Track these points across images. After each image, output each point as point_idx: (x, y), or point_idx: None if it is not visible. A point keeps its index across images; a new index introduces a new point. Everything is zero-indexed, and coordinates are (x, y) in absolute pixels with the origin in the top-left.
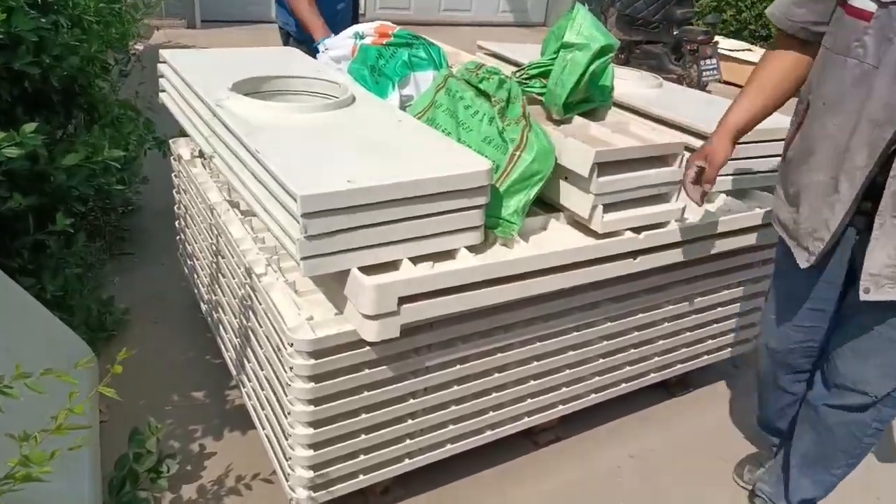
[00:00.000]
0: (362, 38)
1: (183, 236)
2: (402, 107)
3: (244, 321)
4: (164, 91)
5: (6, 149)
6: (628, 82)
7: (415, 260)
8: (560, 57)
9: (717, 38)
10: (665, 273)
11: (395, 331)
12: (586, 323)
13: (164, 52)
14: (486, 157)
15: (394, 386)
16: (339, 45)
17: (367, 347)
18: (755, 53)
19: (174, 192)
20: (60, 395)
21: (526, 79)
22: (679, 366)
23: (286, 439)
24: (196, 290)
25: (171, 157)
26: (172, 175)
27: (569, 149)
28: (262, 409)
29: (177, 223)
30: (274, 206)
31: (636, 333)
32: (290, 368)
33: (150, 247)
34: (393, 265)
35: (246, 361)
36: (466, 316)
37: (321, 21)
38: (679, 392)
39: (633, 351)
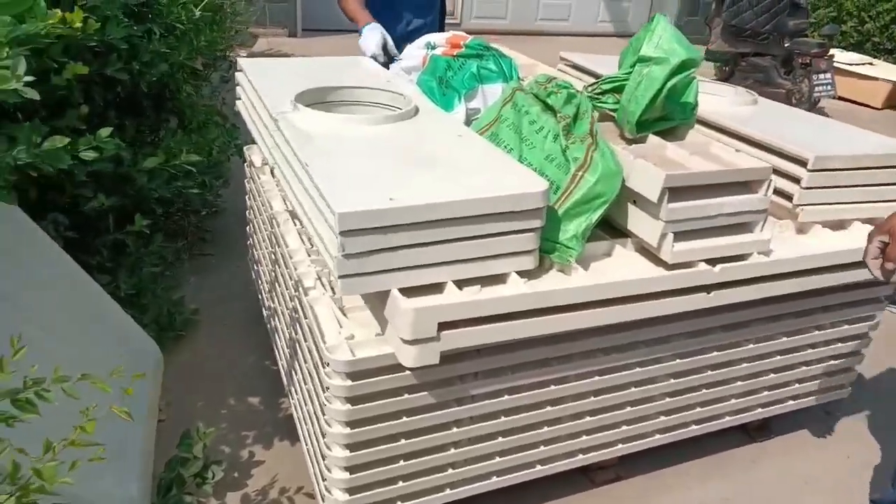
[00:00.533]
0: (434, 48)
1: (251, 241)
2: (469, 120)
3: (293, 333)
4: (239, 99)
5: (84, 152)
6: (719, 98)
7: (461, 283)
8: (636, 71)
9: (833, 51)
10: (746, 309)
11: (435, 357)
12: (653, 359)
13: (241, 61)
14: (546, 176)
15: (435, 413)
16: (411, 55)
17: (408, 371)
18: (878, 68)
19: (246, 196)
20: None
21: (598, 94)
22: (759, 410)
23: (323, 460)
24: (259, 296)
25: (245, 163)
26: (245, 180)
27: (637, 170)
28: (304, 424)
29: (247, 228)
30: (318, 221)
31: (710, 372)
32: (327, 388)
33: (229, 249)
34: (438, 288)
35: (294, 373)
36: (518, 344)
37: (366, 12)
38: (760, 437)
39: (705, 391)
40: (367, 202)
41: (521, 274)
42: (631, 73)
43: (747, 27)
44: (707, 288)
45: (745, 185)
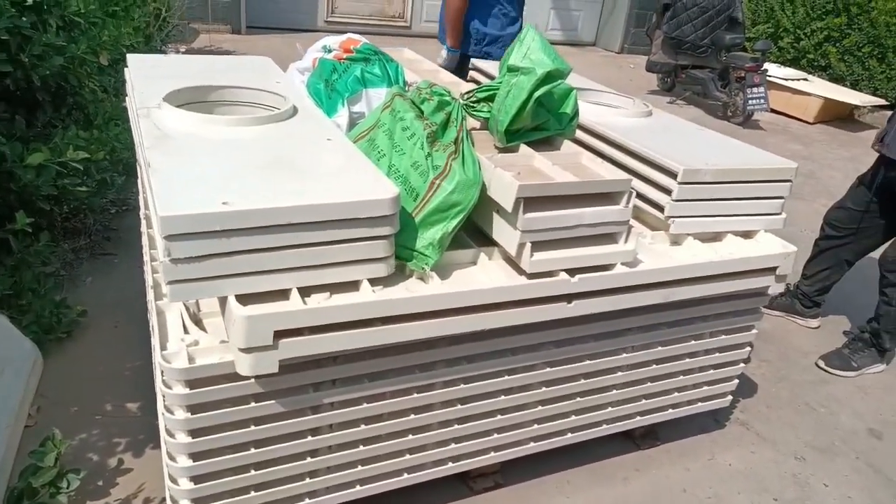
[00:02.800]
0: (330, 51)
1: (143, 241)
2: (353, 124)
3: (152, 338)
4: (127, 96)
5: None
6: (614, 109)
7: (312, 290)
8: (505, 81)
9: (769, 66)
10: (617, 319)
11: (273, 366)
12: (522, 367)
13: (129, 57)
14: (410, 183)
15: (287, 422)
16: (307, 56)
17: (252, 380)
18: (811, 84)
19: (139, 198)
20: None
21: (474, 102)
22: (638, 418)
23: (167, 469)
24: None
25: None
26: (137, 181)
27: (496, 180)
28: (160, 433)
29: (140, 228)
30: (154, 224)
31: (583, 381)
32: (164, 397)
33: (134, 249)
34: (284, 294)
35: (154, 381)
36: (377, 351)
37: (460, 34)
38: (645, 444)
39: (580, 399)
40: (197, 205)
41: (376, 281)
42: (502, 82)
43: (686, 40)
44: (567, 297)
45: (606, 196)
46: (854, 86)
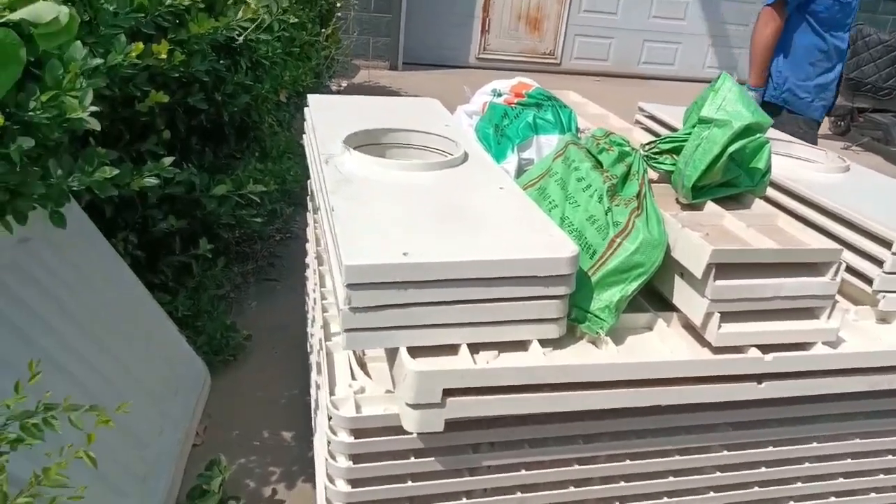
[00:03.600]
0: (500, 95)
1: (307, 272)
2: (521, 171)
3: (317, 376)
4: (305, 134)
5: (147, 178)
6: (805, 163)
7: (479, 346)
8: (695, 133)
9: None
10: (813, 404)
11: (439, 424)
12: (696, 447)
13: (310, 97)
14: (586, 238)
15: (444, 481)
16: (476, 99)
17: (414, 435)
18: None
19: (307, 230)
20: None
21: (656, 153)
22: None
23: None
24: (306, 328)
25: (308, 196)
26: (307, 213)
27: (683, 241)
28: (317, 473)
29: (306, 259)
30: (335, 269)
31: (764, 469)
32: (329, 443)
33: (295, 276)
34: (453, 350)
35: (314, 416)
36: (539, 417)
37: (764, 72)
38: None
39: (758, 489)
40: (379, 255)
41: (545, 343)
42: (691, 133)
43: (867, 81)
44: (758, 377)
45: (810, 266)
46: None
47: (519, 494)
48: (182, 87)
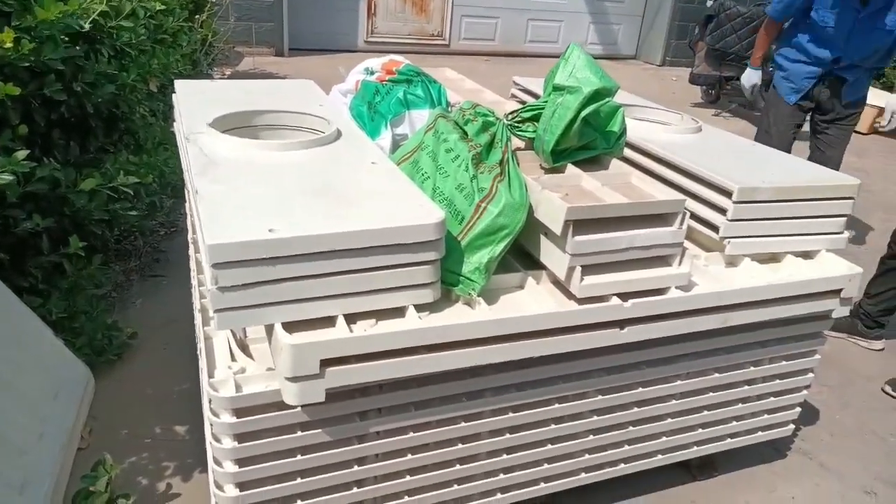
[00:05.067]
0: (372, 73)
1: (191, 264)
2: (396, 146)
3: (199, 364)
4: (174, 121)
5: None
6: (661, 126)
7: (357, 317)
8: (550, 100)
9: None
10: (673, 344)
11: (319, 395)
12: (573, 394)
13: (177, 83)
14: (455, 206)
15: (333, 451)
16: (350, 78)
17: (299, 408)
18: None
19: (187, 220)
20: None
21: (518, 122)
22: (694, 448)
23: (214, 499)
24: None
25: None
26: (185, 204)
27: (543, 202)
28: (208, 459)
29: (189, 252)
30: (202, 251)
31: (636, 409)
32: (212, 425)
33: (181, 270)
34: (331, 321)
35: (201, 405)
36: (424, 379)
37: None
38: (701, 475)
39: (632, 428)
40: (244, 233)
41: (422, 307)
42: (548, 101)
43: (731, 51)
44: (620, 323)
45: (659, 218)
46: None
47: (410, 456)
48: (35, 78)
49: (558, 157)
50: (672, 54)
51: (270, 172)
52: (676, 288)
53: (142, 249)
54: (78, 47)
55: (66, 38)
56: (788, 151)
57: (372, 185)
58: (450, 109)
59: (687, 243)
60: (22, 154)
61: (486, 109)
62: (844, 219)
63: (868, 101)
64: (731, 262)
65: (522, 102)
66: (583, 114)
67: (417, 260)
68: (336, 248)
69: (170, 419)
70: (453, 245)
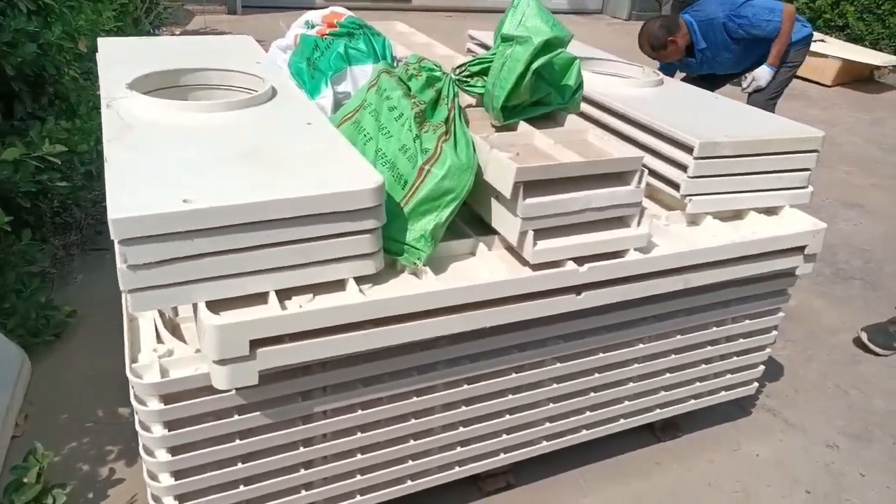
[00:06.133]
0: (312, 26)
1: None
2: (338, 105)
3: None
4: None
5: None
6: (621, 80)
7: (292, 292)
8: (499, 52)
9: None
10: (632, 308)
11: (252, 378)
12: (530, 363)
13: (100, 41)
14: (398, 169)
15: (275, 433)
16: (290, 33)
17: (233, 391)
18: (829, 45)
19: None
20: None
21: (467, 76)
22: (658, 411)
23: (150, 489)
24: None
25: None
26: None
27: (492, 163)
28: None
29: None
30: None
31: (597, 375)
32: (137, 413)
33: None
34: (263, 298)
35: None
36: (371, 354)
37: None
38: (666, 437)
39: (593, 394)
40: (154, 205)
41: (364, 279)
42: (496, 53)
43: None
44: (576, 289)
45: (616, 176)
46: (874, 45)
47: (360, 434)
48: None
49: (509, 114)
50: (639, 9)
51: (193, 136)
52: (635, 250)
53: (82, 222)
54: None
55: None
56: None
57: (306, 149)
58: (396, 65)
59: (647, 202)
60: None
61: (432, 63)
62: (808, 173)
63: (833, 53)
64: (693, 220)
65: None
66: (534, 66)
67: (356, 229)
68: (262, 219)
69: (113, 401)
70: (396, 211)
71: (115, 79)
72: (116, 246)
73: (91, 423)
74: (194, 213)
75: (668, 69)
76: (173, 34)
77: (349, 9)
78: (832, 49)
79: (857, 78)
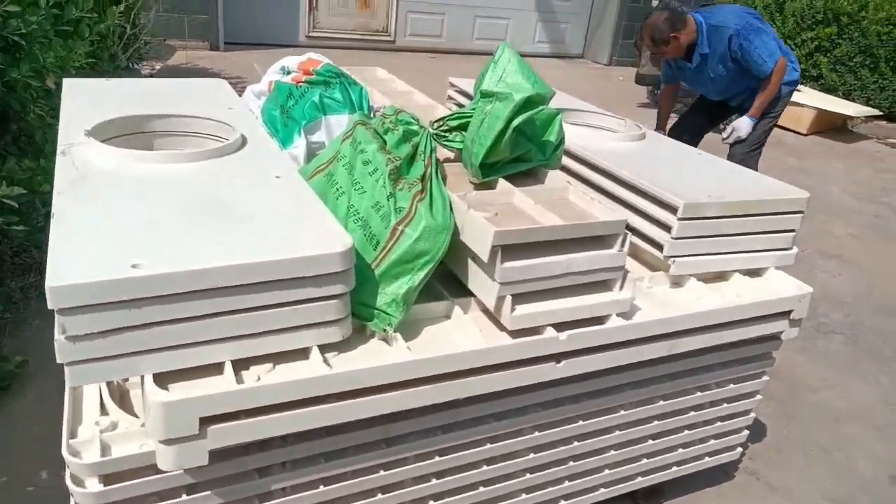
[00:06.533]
0: (288, 72)
1: None
2: (313, 155)
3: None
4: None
5: None
6: (602, 133)
7: (248, 361)
8: (478, 108)
9: None
10: (613, 374)
11: (201, 458)
12: (506, 433)
13: (65, 82)
14: (370, 228)
15: None
16: (265, 78)
17: (181, 471)
18: (804, 94)
19: None
20: None
21: (445, 131)
22: (640, 479)
23: None
24: None
25: None
26: None
27: (469, 224)
28: None
29: None
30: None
31: (576, 444)
32: (72, 495)
33: None
34: (218, 368)
35: None
36: (336, 427)
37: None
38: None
39: (573, 463)
40: (98, 271)
41: (329, 347)
42: (476, 108)
43: None
44: (556, 357)
45: (599, 239)
46: (847, 96)
47: None
48: None
49: (488, 172)
50: (619, 54)
51: (151, 189)
52: (617, 315)
53: (42, 264)
54: None
55: None
56: None
57: (271, 204)
58: (373, 115)
59: (629, 261)
60: None
61: (409, 116)
62: (793, 234)
63: (809, 103)
64: (676, 282)
65: (460, 105)
66: (514, 123)
67: (322, 294)
68: (218, 286)
69: (59, 463)
70: (367, 274)
71: (76, 123)
72: (56, 315)
73: (31, 488)
74: (143, 279)
75: (667, 71)
76: (153, 69)
77: (332, 47)
78: (808, 98)
79: (832, 127)
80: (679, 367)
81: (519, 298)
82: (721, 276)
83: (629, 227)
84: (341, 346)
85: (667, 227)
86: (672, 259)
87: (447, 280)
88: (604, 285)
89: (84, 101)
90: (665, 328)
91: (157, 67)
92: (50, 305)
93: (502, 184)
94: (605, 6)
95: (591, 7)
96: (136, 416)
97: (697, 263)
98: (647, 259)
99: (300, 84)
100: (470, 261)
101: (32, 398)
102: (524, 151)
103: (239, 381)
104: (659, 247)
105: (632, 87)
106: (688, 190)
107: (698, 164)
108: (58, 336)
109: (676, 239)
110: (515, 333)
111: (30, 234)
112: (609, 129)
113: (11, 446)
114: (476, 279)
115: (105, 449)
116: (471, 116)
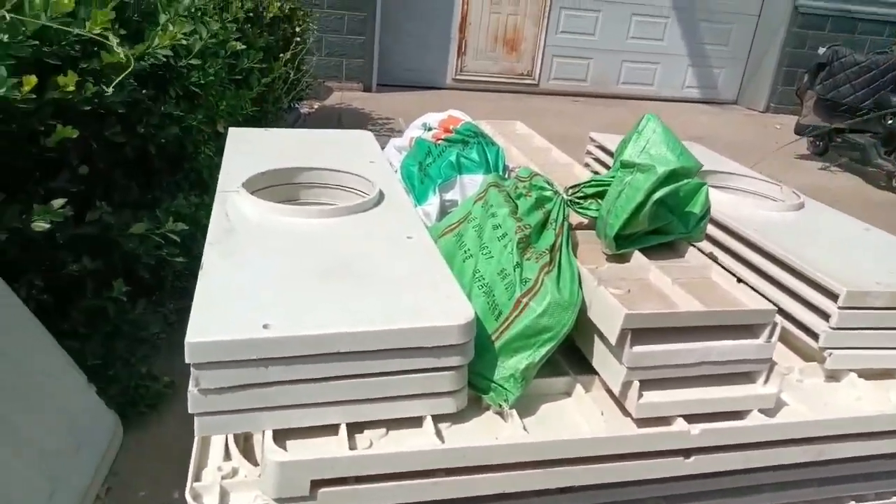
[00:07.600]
0: (429, 129)
1: None
2: (445, 213)
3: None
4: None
5: (36, 222)
6: (755, 200)
7: (362, 425)
8: (617, 178)
9: None
10: (751, 473)
11: None
12: None
13: (231, 130)
14: (494, 297)
15: None
16: (406, 133)
17: None
18: None
19: None
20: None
21: (580, 198)
22: None
23: None
24: None
25: None
26: None
27: (598, 301)
28: None
29: None
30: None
31: None
32: None
33: None
34: (334, 429)
35: None
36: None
37: None
38: None
39: None
40: (231, 330)
41: (443, 418)
42: (615, 177)
43: (844, 102)
44: (686, 452)
45: (743, 327)
46: None
47: None
48: (99, 120)
49: (623, 244)
50: (777, 101)
51: (291, 244)
52: (759, 411)
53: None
54: (145, 91)
55: (133, 82)
56: None
57: (399, 267)
58: (508, 175)
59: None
60: (58, 203)
61: (543, 181)
62: None
63: None
64: (832, 376)
65: (600, 162)
66: (655, 196)
67: (440, 365)
68: (339, 351)
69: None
70: (486, 344)
71: (234, 171)
72: (191, 368)
73: None
74: (272, 340)
75: None
76: (312, 108)
77: (476, 90)
78: None
79: None
80: (831, 473)
81: (648, 385)
82: (886, 373)
83: (780, 310)
84: (455, 418)
85: (825, 315)
86: (829, 351)
87: (570, 353)
88: (746, 376)
89: (244, 149)
90: (816, 431)
91: (315, 107)
92: (187, 360)
93: (638, 257)
94: (764, 52)
95: (748, 52)
96: (256, 463)
97: (859, 358)
98: (797, 345)
99: (439, 142)
100: (596, 338)
101: (174, 419)
102: (665, 223)
103: (352, 443)
104: (814, 336)
105: (789, 136)
106: (852, 274)
107: (866, 242)
108: (191, 388)
109: (836, 329)
110: (641, 422)
111: (189, 263)
112: (762, 194)
113: (152, 464)
114: (601, 359)
115: (224, 496)
116: (608, 185)
